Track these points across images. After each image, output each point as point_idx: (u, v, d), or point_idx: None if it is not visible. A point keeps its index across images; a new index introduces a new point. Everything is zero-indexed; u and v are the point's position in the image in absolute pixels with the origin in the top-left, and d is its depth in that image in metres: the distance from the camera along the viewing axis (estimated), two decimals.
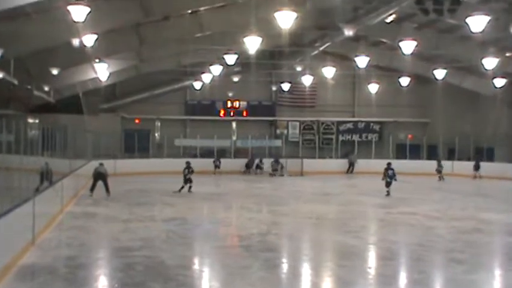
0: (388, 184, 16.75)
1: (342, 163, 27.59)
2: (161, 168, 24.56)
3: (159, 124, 29.60)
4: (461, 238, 10.59)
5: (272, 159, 26.03)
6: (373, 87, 26.59)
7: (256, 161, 26.42)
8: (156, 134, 29.46)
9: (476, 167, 24.22)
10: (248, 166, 26.19)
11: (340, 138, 30.21)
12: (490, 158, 25.31)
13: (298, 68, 26.46)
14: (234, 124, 30.46)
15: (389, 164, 17.15)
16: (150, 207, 14.29)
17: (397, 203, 15.53)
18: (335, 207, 15.12)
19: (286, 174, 25.25)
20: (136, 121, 29.20)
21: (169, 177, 21.42)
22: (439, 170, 23.50)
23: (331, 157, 29.10)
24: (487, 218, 13.04)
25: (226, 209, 14.73)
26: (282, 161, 25.92)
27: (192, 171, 17.17)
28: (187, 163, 17.44)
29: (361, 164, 26.84)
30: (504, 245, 10.44)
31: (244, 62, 23.69)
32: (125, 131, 27.79)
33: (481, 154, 25.25)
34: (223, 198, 16.83)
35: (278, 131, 30.90)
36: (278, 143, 29.61)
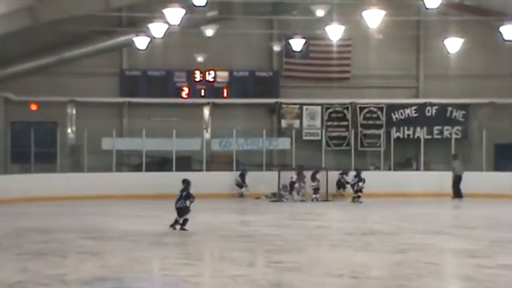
0: None
1: (397, 178, 27.60)
2: (78, 190, 24.63)
3: (73, 112, 29.53)
4: None
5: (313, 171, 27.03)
6: (453, 45, 26.58)
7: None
8: (69, 130, 29.41)
9: None
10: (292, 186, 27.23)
11: (395, 134, 30.28)
12: None
13: (319, 13, 26.47)
14: (206, 112, 30.45)
15: None
16: (59, 259, 14.27)
17: (494, 249, 15.55)
18: (385, 255, 15.15)
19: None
20: (33, 107, 29.12)
21: (94, 205, 21.26)
22: None
23: (377, 167, 29.11)
24: None
25: (194, 261, 14.69)
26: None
27: (193, 199, 17.76)
28: (186, 183, 17.74)
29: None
30: None
31: (225, 1, 23.63)
32: (13, 125, 27.76)
33: None
34: (190, 241, 16.88)
35: (284, 123, 30.96)
36: (285, 143, 29.67)
